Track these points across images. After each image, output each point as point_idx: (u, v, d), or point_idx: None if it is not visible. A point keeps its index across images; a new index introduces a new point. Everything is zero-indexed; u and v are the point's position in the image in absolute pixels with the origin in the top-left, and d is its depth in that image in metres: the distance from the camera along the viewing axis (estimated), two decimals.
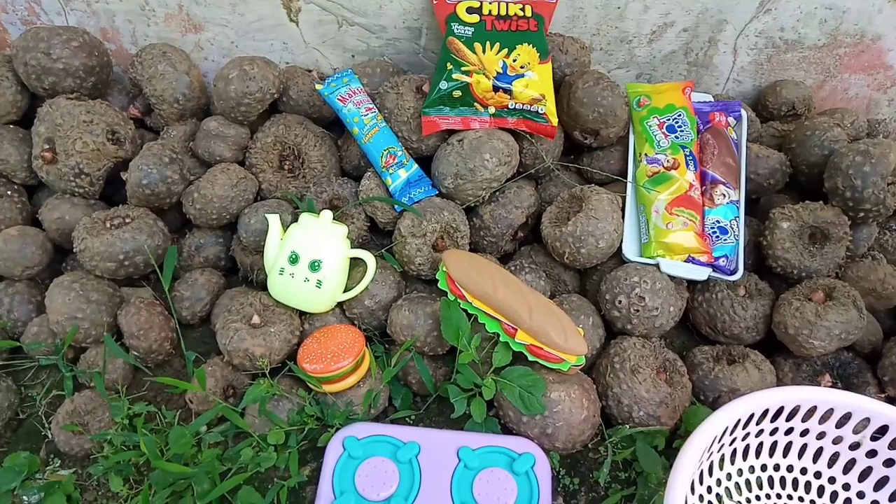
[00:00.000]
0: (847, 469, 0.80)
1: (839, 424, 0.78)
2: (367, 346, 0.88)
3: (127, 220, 0.96)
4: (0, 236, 0.97)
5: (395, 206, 0.97)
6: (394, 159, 0.97)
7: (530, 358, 0.84)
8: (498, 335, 0.86)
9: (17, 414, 0.91)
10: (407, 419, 0.89)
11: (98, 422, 0.86)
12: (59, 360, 0.90)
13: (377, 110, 1.01)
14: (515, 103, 0.96)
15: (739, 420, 0.76)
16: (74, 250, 0.94)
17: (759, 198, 1.08)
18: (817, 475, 0.82)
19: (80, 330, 0.89)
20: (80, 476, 0.85)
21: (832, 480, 0.81)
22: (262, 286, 0.97)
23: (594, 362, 0.92)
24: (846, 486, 0.80)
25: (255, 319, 0.89)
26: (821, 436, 0.80)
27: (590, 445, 0.87)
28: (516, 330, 0.83)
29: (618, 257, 0.98)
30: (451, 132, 0.99)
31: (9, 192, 1.03)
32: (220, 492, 0.78)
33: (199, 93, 1.09)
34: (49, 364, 0.93)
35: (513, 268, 0.95)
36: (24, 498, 0.81)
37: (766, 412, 0.78)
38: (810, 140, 1.02)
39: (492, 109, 0.97)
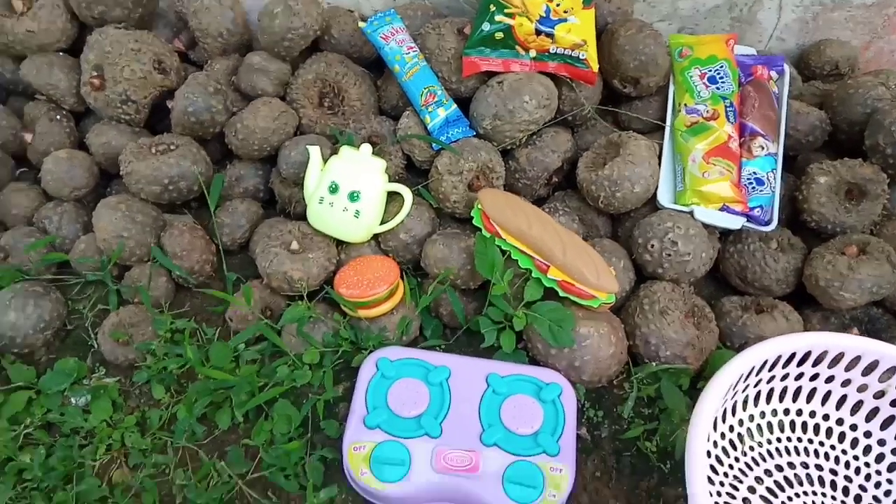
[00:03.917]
0: (870, 417, 0.81)
1: (865, 372, 0.79)
2: (401, 276, 0.90)
3: (172, 147, 0.99)
4: (50, 158, 1.01)
5: (433, 145, 0.99)
6: (433, 98, 0.98)
7: (561, 294, 0.86)
8: (530, 271, 0.87)
9: (64, 324, 0.95)
10: (437, 348, 0.91)
11: (141, 335, 0.90)
12: (105, 276, 0.94)
13: (418, 49, 1.02)
14: (557, 48, 0.96)
15: (766, 361, 0.77)
16: (121, 173, 0.97)
17: (796, 155, 1.08)
18: (839, 422, 0.83)
19: (125, 248, 0.92)
20: (123, 384, 0.89)
21: (854, 427, 0.82)
22: (300, 218, 0.99)
23: (623, 304, 0.93)
24: (867, 434, 0.81)
25: (294, 245, 0.91)
26: (845, 383, 0.81)
27: (615, 382, 0.89)
28: (549, 266, 0.85)
29: (651, 205, 0.98)
30: (491, 74, 1.00)
31: (58, 117, 1.07)
32: (257, 402, 0.81)
33: (242, 28, 1.11)
34: (95, 280, 0.96)
35: (547, 210, 0.96)
36: (73, 399, 0.86)
37: (791, 357, 0.79)
38: (853, 98, 1.01)
39: (533, 53, 0.97)
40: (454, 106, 1.00)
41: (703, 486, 0.64)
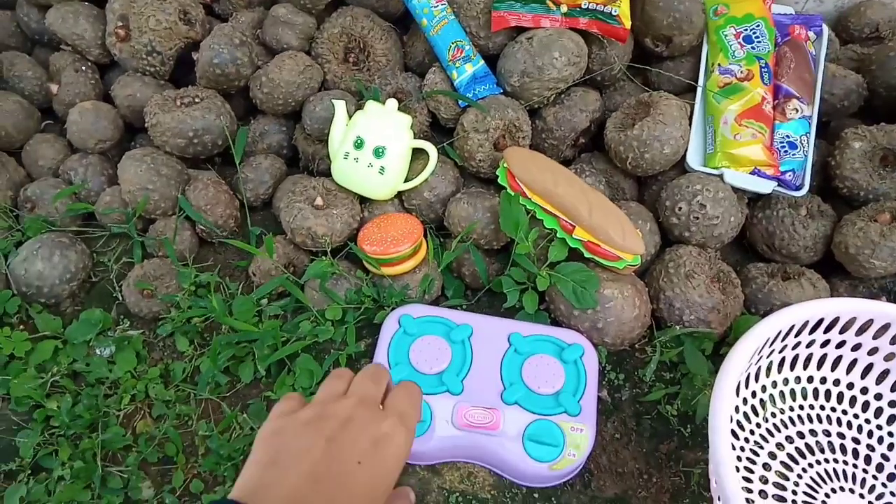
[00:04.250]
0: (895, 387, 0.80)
1: (893, 341, 0.78)
2: (424, 235, 0.90)
3: (197, 100, 0.98)
4: (75, 109, 1.00)
5: (459, 102, 0.97)
6: (461, 53, 0.96)
7: (586, 255, 0.85)
8: (555, 231, 0.86)
9: (90, 276, 0.96)
10: (459, 308, 0.91)
11: (166, 287, 0.90)
12: (129, 228, 0.94)
13: (447, 3, 0.99)
14: (589, 3, 0.94)
15: (793, 327, 0.77)
16: (146, 125, 0.96)
17: (828, 121, 1.05)
18: (864, 391, 0.82)
19: (150, 201, 0.92)
20: (147, 336, 0.90)
21: (878, 396, 0.81)
22: (323, 175, 0.99)
23: (648, 268, 0.92)
24: (892, 403, 0.80)
25: (319, 201, 0.91)
26: (872, 351, 0.80)
27: (637, 346, 0.88)
28: (574, 227, 0.84)
29: (679, 168, 0.97)
30: (521, 30, 0.97)
31: (83, 68, 1.06)
32: (280, 356, 0.82)
33: None
34: (119, 233, 0.96)
35: (573, 171, 0.94)
36: (98, 350, 0.87)
37: (818, 324, 0.78)
38: (893, 61, 0.98)
39: (564, 8, 0.95)
40: (482, 62, 0.98)
41: (727, 451, 0.63)
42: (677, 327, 0.85)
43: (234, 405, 0.83)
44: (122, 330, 0.90)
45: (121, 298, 0.92)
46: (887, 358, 0.80)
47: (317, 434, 0.45)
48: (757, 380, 0.81)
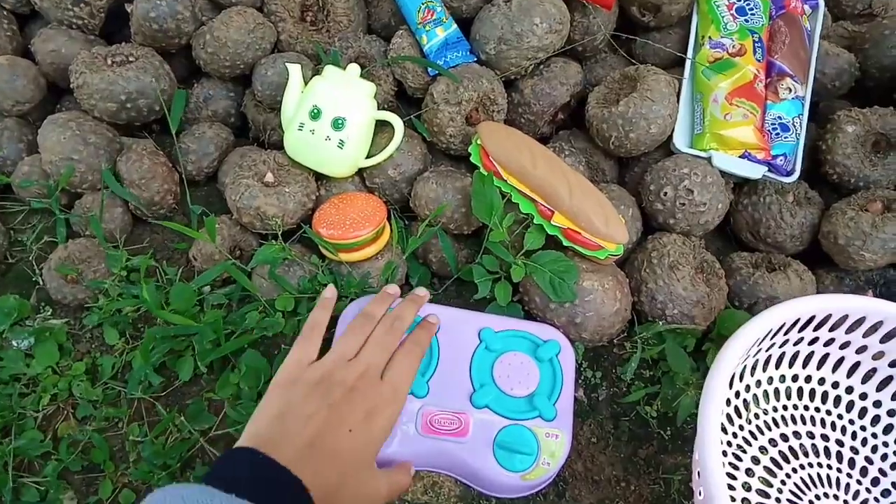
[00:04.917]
0: (881, 386, 0.76)
1: (884, 339, 0.73)
2: (388, 218, 0.82)
3: (130, 59, 0.87)
4: None
5: (429, 70, 0.88)
6: (432, 15, 0.87)
7: (565, 243, 0.78)
8: (532, 217, 0.79)
9: (5, 258, 0.85)
10: None
11: (93, 272, 0.80)
12: (52, 203, 0.83)
13: None
14: None
15: (784, 324, 0.71)
16: (71, 86, 0.85)
17: (818, 102, 0.99)
18: (849, 390, 0.78)
19: (75, 173, 0.81)
20: (72, 326, 0.80)
21: (864, 396, 0.77)
22: (276, 148, 0.89)
23: (628, 257, 0.86)
24: (877, 403, 0.76)
25: (269, 178, 0.81)
26: (861, 350, 0.76)
27: (615, 341, 0.82)
28: (553, 212, 0.77)
29: (664, 149, 0.90)
30: None
31: None
32: (223, 352, 0.73)
33: None
34: (41, 208, 0.85)
35: (551, 149, 0.87)
36: (13, 342, 0.77)
37: (809, 321, 0.73)
38: (888, 40, 0.93)
39: None
40: (454, 26, 0.88)
41: (717, 458, 0.58)
42: (660, 322, 0.79)
43: (171, 406, 0.74)
44: (42, 319, 0.80)
45: (41, 283, 0.82)
46: (875, 356, 0.76)
47: (322, 400, 0.56)
48: (741, 379, 0.76)
